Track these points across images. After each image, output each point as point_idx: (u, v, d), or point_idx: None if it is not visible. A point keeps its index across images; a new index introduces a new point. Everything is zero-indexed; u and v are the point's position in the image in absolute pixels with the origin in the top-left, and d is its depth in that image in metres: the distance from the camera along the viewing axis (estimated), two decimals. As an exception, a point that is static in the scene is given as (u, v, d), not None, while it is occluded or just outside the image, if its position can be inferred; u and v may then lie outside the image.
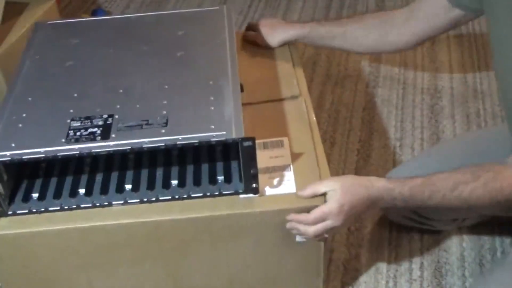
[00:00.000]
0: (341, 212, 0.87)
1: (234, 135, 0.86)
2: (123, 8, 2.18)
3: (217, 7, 1.16)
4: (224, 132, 0.86)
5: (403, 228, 1.27)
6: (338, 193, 0.87)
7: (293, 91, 1.11)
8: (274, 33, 1.21)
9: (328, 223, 0.88)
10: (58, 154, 0.85)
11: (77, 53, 1.06)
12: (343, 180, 0.90)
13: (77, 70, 1.02)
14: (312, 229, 0.88)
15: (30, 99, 0.96)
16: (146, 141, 0.85)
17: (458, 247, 1.24)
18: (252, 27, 1.25)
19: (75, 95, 0.96)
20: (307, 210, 0.90)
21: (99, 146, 0.86)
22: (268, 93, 1.11)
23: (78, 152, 0.85)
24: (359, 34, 1.15)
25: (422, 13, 1.09)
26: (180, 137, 0.86)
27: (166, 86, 0.96)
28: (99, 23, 1.15)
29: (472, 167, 0.91)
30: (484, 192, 0.89)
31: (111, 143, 0.86)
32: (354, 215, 0.89)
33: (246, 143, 0.85)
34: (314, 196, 0.89)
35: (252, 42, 1.24)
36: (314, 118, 1.05)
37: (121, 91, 0.96)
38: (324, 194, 0.89)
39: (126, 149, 0.85)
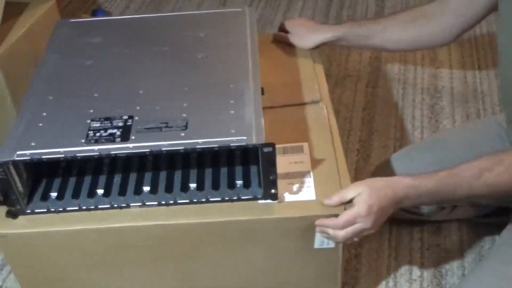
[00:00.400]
0: (370, 214, 0.86)
1: (254, 140, 0.85)
2: (123, 8, 2.17)
3: (239, 9, 1.15)
4: (245, 137, 0.85)
5: (403, 227, 1.27)
6: (365, 195, 0.86)
7: (314, 96, 1.10)
8: (311, 34, 1.20)
9: (357, 226, 0.87)
10: (78, 155, 0.84)
11: (98, 52, 1.06)
12: (368, 182, 0.89)
13: (97, 69, 1.02)
14: (342, 233, 0.87)
15: (50, 97, 0.96)
16: (165, 144, 0.85)
17: (458, 247, 1.23)
18: (285, 28, 1.24)
19: (96, 95, 0.96)
20: (327, 217, 0.89)
21: (118, 148, 0.85)
22: (289, 97, 1.10)
23: (97, 153, 0.85)
24: (398, 32, 1.14)
25: (456, 4, 1.08)
26: (199, 141, 0.85)
27: (186, 88, 0.96)
28: (120, 23, 1.15)
29: (492, 153, 0.90)
30: (510, 176, 0.88)
31: (130, 145, 0.85)
32: (383, 215, 0.88)
33: (267, 149, 0.84)
34: (341, 203, 0.87)
35: (285, 43, 1.23)
36: (335, 124, 1.04)
37: (141, 92, 0.96)
38: (350, 201, 0.88)
39: (145, 152, 0.85)
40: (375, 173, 1.24)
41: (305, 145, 1.00)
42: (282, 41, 1.23)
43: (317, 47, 1.21)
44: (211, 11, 1.17)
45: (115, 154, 0.85)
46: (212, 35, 1.08)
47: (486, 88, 1.67)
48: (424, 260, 1.21)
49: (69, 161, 0.95)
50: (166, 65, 1.02)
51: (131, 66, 1.02)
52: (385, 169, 1.19)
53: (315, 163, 0.96)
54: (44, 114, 0.92)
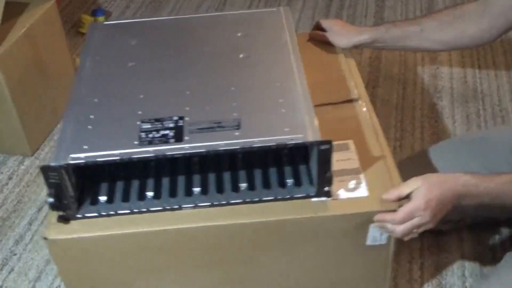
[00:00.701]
0: (428, 208, 0.86)
1: (310, 138, 0.84)
2: (123, 8, 2.18)
3: (274, 9, 1.14)
4: (301, 135, 0.85)
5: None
6: (422, 189, 0.86)
7: (352, 94, 1.10)
8: (349, 34, 1.19)
9: (416, 220, 0.87)
10: (133, 156, 0.83)
11: (137, 54, 1.05)
12: (426, 177, 0.89)
13: (139, 71, 1.01)
14: (400, 228, 0.87)
15: (96, 100, 0.95)
16: (222, 144, 0.84)
17: (458, 247, 1.23)
18: (321, 26, 1.24)
19: (141, 96, 0.95)
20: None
21: (174, 148, 0.84)
22: (327, 96, 1.09)
23: (153, 155, 0.84)
24: (436, 32, 1.13)
25: (497, 5, 1.07)
26: (256, 140, 0.84)
27: (233, 88, 0.95)
28: (154, 24, 1.14)
29: None
30: None
31: (186, 146, 0.84)
32: (442, 210, 0.88)
33: (324, 146, 0.84)
34: (400, 198, 0.87)
35: (316, 42, 1.23)
36: (377, 121, 1.04)
37: (188, 92, 0.95)
38: (407, 196, 0.88)
39: (201, 152, 0.84)
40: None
41: (350, 142, 1.00)
42: (317, 39, 1.23)
43: (354, 47, 1.20)
44: (244, 11, 1.17)
45: (171, 155, 0.84)
46: (250, 35, 1.08)
47: (486, 88, 1.68)
48: (424, 260, 1.21)
49: (118, 164, 0.93)
50: (209, 65, 1.01)
51: (174, 67, 1.01)
52: (416, 162, 1.20)
53: (363, 160, 0.96)
54: (92, 116, 0.91)
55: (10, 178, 1.51)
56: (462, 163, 1.13)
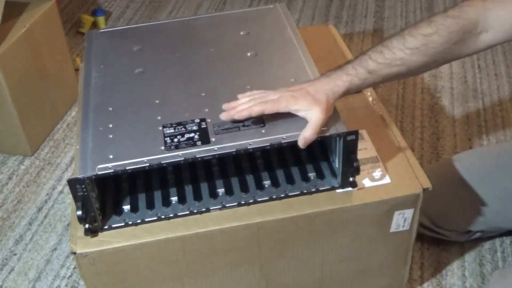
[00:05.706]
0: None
1: (336, 129, 0.86)
2: (123, 8, 2.17)
3: (271, 6, 1.15)
4: (325, 127, 0.86)
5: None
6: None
7: (355, 85, 1.11)
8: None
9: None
10: (163, 162, 0.82)
11: (142, 59, 1.03)
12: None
13: (149, 76, 0.99)
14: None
15: (110, 109, 0.93)
16: (250, 143, 0.84)
17: (458, 247, 1.23)
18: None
19: (157, 101, 0.93)
20: (406, 199, 0.91)
21: (203, 150, 0.84)
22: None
23: (182, 158, 0.83)
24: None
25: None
26: (284, 135, 0.85)
27: (248, 86, 0.95)
28: (153, 28, 1.13)
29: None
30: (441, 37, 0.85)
31: (214, 147, 0.84)
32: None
33: (350, 137, 0.85)
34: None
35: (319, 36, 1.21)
36: (385, 109, 1.06)
37: (203, 94, 0.94)
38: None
39: (231, 152, 0.84)
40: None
41: (364, 132, 1.01)
42: None
43: None
44: (242, 10, 1.17)
45: (201, 157, 0.83)
46: (253, 33, 1.08)
47: (486, 88, 1.69)
48: (424, 260, 1.22)
49: (142, 172, 0.92)
50: (218, 65, 1.00)
51: (183, 70, 1.00)
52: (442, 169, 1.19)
53: (378, 148, 0.98)
54: (111, 125, 0.89)
55: (10, 178, 1.49)
56: (491, 177, 1.11)
